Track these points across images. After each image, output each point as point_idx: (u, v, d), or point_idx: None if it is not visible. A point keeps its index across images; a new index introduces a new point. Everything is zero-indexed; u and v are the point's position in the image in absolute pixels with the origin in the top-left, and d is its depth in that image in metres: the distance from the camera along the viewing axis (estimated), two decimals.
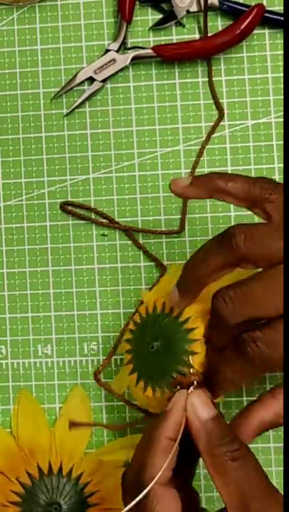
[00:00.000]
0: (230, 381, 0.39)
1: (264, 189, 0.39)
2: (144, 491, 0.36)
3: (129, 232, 0.53)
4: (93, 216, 0.53)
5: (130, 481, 0.38)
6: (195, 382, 0.40)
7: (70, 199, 0.53)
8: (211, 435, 0.36)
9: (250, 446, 0.50)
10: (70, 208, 0.53)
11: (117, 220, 0.53)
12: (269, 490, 0.35)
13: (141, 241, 0.53)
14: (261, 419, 0.39)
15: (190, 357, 0.41)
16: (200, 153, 0.52)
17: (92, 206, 0.53)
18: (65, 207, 0.53)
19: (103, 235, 0.53)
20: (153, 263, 0.53)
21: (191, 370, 0.40)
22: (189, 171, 0.53)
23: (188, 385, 0.39)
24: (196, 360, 0.41)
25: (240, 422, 0.40)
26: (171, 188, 0.42)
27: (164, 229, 0.53)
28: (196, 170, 0.52)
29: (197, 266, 0.40)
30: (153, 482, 0.36)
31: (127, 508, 0.36)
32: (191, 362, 0.41)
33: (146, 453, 0.37)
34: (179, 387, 0.40)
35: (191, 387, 0.39)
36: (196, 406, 0.38)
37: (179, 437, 0.37)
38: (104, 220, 0.53)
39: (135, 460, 0.38)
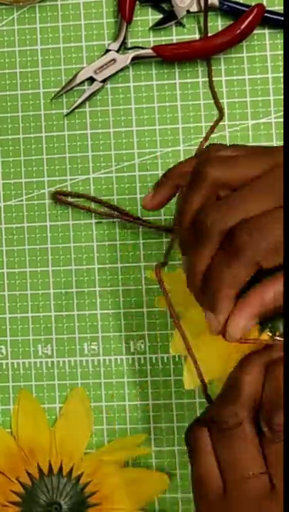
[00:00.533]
0: (229, 285, 0.36)
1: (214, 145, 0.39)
2: None
3: (124, 216, 0.53)
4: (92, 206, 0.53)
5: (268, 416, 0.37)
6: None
7: (70, 199, 0.53)
8: None
9: None
10: (63, 197, 0.53)
11: (118, 219, 0.53)
12: None
13: (141, 241, 0.53)
14: (261, 299, 0.37)
15: None
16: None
17: (92, 206, 0.53)
18: (59, 197, 0.53)
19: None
20: (153, 263, 0.53)
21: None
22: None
23: None
24: None
25: (240, 304, 0.38)
26: (143, 206, 0.42)
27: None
28: None
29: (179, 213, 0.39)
30: None
31: None
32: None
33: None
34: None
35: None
36: None
37: None
38: (99, 209, 0.53)
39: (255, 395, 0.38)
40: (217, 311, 0.37)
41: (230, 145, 0.39)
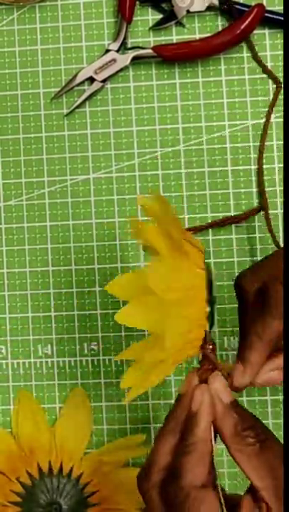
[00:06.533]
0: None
1: None
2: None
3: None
4: None
5: (166, 488, 0.36)
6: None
7: (70, 199, 0.53)
8: (236, 419, 0.36)
9: None
10: None
11: (118, 219, 0.53)
12: None
13: None
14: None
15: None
16: (265, 132, 0.52)
17: (93, 206, 0.53)
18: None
19: None
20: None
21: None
22: (190, 170, 0.53)
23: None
24: None
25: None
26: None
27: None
28: (197, 170, 0.53)
29: None
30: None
31: None
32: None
33: (182, 459, 0.35)
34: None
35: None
36: (219, 390, 0.36)
37: (213, 435, 0.36)
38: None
39: (165, 466, 0.36)
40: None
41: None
